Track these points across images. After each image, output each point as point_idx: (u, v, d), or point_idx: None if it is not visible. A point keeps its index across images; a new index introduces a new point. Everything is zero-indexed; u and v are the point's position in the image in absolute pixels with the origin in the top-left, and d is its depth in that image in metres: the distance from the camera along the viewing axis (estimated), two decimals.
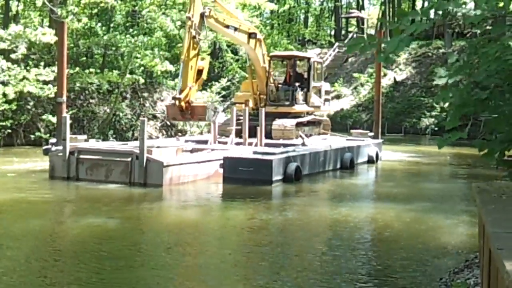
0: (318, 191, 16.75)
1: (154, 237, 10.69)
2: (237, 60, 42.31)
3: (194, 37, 18.35)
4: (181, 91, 18.35)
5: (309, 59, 24.38)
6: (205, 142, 21.47)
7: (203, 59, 20.62)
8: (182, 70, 18.53)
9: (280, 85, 23.78)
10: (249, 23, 23.88)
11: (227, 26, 20.70)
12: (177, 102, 18.40)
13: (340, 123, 41.61)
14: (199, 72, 19.15)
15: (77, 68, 28.13)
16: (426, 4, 61.91)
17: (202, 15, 18.70)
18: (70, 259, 9.04)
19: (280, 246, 10.07)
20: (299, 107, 23.30)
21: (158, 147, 17.61)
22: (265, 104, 22.83)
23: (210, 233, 11.32)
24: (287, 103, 23.10)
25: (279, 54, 27.53)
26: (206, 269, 8.73)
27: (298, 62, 25.36)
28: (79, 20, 27.91)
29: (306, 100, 23.59)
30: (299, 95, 23.31)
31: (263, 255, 9.50)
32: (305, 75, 24.23)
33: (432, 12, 5.65)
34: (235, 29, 21.01)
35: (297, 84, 23.49)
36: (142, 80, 30.82)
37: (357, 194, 16.67)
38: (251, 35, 21.69)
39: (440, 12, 5.70)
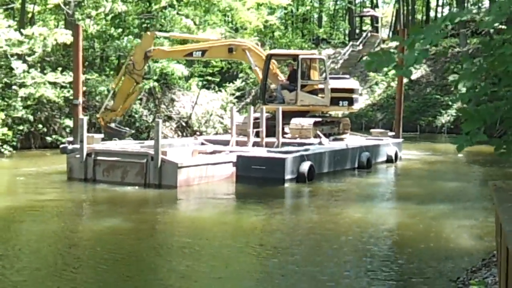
0: (331, 191, 16.54)
1: (167, 239, 10.75)
2: None
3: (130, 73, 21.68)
4: (105, 109, 22.25)
5: (296, 56, 23.47)
6: (223, 141, 21.45)
7: (137, 90, 22.96)
8: (116, 96, 22.29)
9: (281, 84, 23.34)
10: (231, 38, 24.91)
11: (190, 54, 22.68)
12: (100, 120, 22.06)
13: (355, 122, 41.45)
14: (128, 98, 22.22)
15: (95, 75, 28.39)
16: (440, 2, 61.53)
17: (145, 55, 21.74)
18: (88, 260, 9.11)
19: (294, 248, 10.09)
20: (288, 106, 22.28)
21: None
22: (263, 103, 22.44)
23: (223, 235, 11.28)
24: (276, 101, 22.64)
25: (276, 52, 26.67)
26: (220, 273, 8.77)
27: (291, 61, 24.65)
28: (97, 24, 28.03)
29: (295, 99, 22.61)
30: (287, 93, 22.68)
31: (278, 259, 9.53)
32: (309, 72, 23.43)
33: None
34: (203, 52, 22.44)
35: (286, 82, 23.01)
36: (157, 85, 31.01)
37: (373, 193, 16.57)
38: (230, 49, 22.33)
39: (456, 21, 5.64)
